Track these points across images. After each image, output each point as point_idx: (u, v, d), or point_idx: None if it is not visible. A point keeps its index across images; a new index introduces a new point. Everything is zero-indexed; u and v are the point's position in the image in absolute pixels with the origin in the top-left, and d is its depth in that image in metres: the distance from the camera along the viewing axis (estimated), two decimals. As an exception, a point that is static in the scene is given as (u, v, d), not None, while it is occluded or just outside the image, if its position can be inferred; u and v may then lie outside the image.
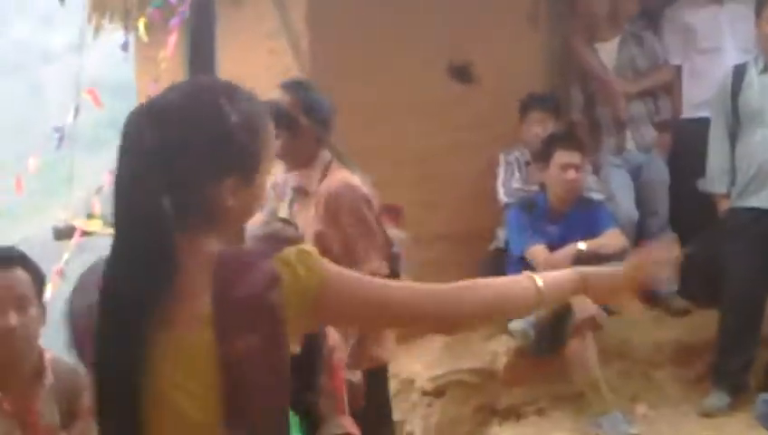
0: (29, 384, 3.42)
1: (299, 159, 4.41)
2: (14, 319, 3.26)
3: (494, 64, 5.82)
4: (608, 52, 6.03)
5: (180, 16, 5.86)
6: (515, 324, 5.13)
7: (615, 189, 5.79)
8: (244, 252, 2.03)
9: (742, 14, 5.85)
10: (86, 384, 3.17)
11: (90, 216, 6.60)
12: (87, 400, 3.37)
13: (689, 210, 5.86)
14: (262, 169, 1.99)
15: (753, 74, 5.36)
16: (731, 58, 5.75)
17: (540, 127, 5.73)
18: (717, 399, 5.30)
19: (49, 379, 3.46)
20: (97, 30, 7.45)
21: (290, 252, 1.90)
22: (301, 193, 4.46)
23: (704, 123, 5.57)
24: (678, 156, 6.02)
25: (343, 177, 4.33)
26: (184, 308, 1.87)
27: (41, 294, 3.42)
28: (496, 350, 5.34)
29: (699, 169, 5.54)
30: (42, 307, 3.44)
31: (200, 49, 6.43)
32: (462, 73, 6.18)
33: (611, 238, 5.32)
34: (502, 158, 5.77)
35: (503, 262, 5.15)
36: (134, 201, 1.90)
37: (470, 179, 6.17)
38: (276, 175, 4.59)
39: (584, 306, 5.02)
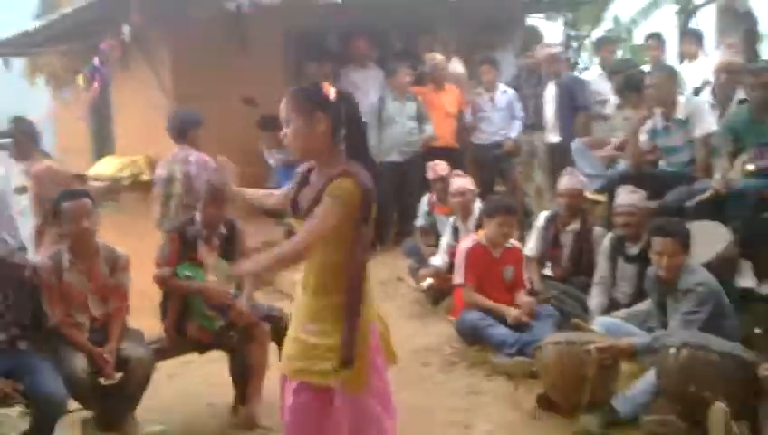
0: (92, 256, 4.46)
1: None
2: (86, 223, 4.32)
3: (265, 96, 7.38)
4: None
5: (102, 74, 8.25)
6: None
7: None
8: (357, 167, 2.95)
9: (376, 74, 8.84)
10: (120, 256, 4.63)
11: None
12: (123, 262, 4.58)
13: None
14: None
15: (389, 101, 8.11)
16: (373, 95, 8.39)
17: (266, 132, 7.97)
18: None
19: (101, 253, 4.57)
20: (31, 84, 9.10)
21: None
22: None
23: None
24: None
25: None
26: None
27: (97, 212, 4.42)
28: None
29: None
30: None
31: (102, 95, 8.68)
32: (250, 101, 8.47)
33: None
34: (263, 145, 8.25)
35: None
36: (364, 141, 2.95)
37: (256, 154, 8.23)
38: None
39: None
